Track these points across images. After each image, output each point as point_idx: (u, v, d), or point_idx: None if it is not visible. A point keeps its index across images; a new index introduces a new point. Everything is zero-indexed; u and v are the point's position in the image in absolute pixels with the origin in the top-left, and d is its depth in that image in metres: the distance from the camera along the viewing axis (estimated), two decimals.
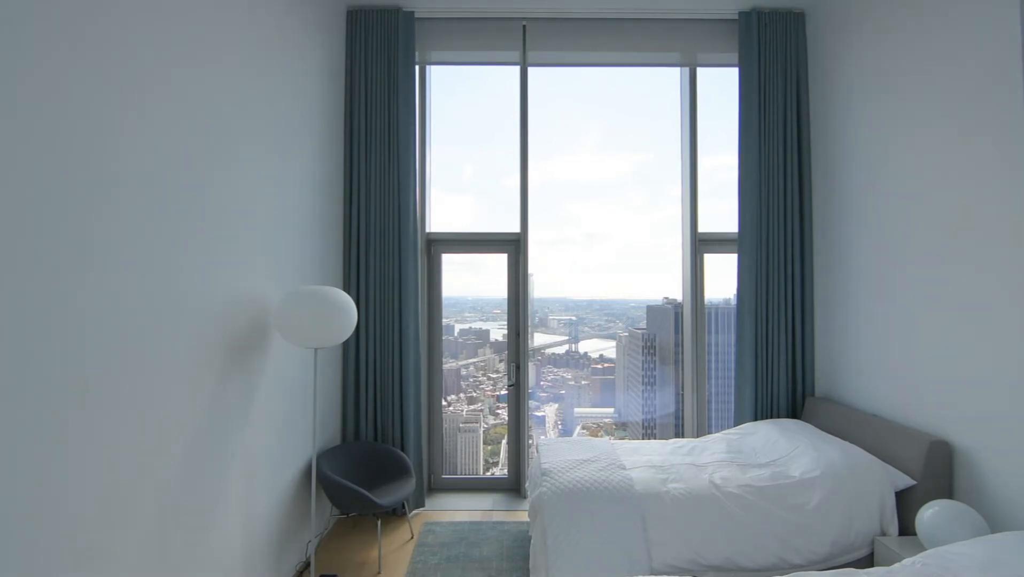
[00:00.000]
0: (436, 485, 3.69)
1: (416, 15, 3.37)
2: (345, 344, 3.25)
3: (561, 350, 4.25)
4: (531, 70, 3.52)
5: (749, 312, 3.29)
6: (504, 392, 3.87)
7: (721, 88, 3.59)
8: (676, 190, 3.74)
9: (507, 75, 3.53)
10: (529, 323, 3.69)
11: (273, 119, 2.38)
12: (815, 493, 2.30)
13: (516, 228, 3.59)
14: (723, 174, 3.68)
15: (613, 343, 4.21)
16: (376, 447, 3.11)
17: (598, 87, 3.56)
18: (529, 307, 3.69)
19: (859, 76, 2.91)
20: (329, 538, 2.97)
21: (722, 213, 3.63)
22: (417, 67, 3.44)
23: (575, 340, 4.23)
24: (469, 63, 3.61)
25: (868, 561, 2.26)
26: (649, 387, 3.90)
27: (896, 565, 1.73)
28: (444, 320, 3.74)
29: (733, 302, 3.45)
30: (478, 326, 4.09)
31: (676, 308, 3.80)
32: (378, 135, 3.30)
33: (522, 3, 3.41)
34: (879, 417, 2.69)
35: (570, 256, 4.07)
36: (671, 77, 3.59)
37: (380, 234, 3.30)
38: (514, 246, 3.68)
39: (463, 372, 4.09)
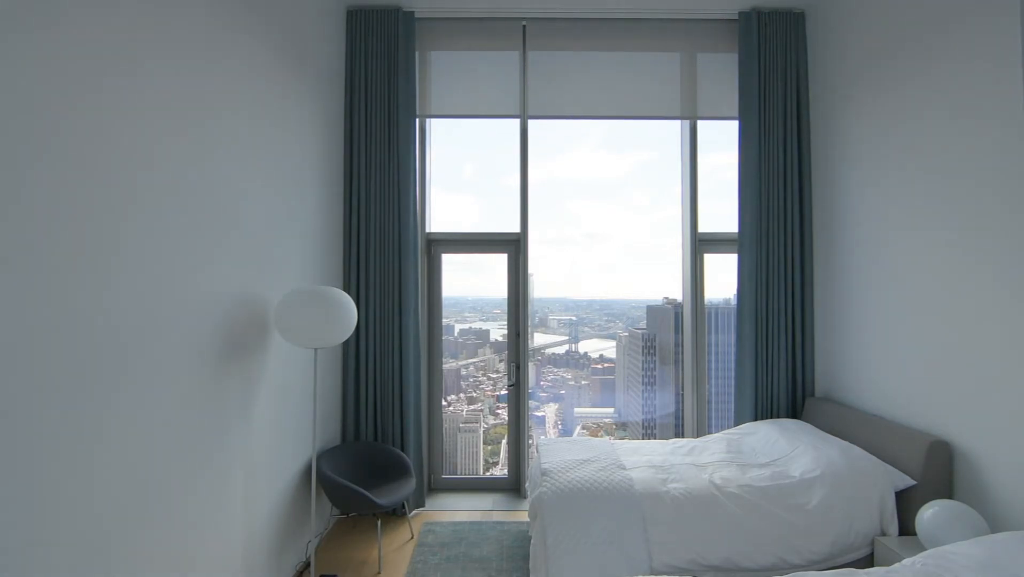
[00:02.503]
0: (436, 485, 3.69)
1: (416, 15, 3.38)
2: (345, 344, 3.25)
3: (561, 350, 4.25)
4: (530, 72, 3.51)
5: (749, 312, 3.29)
6: (504, 392, 3.87)
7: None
8: (677, 190, 3.74)
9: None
10: (529, 323, 3.69)
11: (272, 118, 2.38)
12: (815, 493, 2.30)
13: (516, 228, 3.59)
14: (723, 174, 3.68)
15: (613, 343, 4.21)
16: (376, 447, 3.11)
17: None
18: (529, 307, 3.69)
19: (859, 74, 2.91)
20: (329, 538, 2.97)
21: (722, 213, 3.63)
22: (417, 67, 3.43)
23: (575, 340, 4.23)
24: (468, 93, 3.59)
25: (868, 561, 2.26)
26: (649, 387, 3.90)
27: (896, 565, 1.73)
28: (444, 320, 3.74)
29: (733, 302, 3.46)
30: (478, 326, 4.10)
31: (676, 308, 3.80)
32: (378, 135, 3.30)
33: (522, 3, 3.41)
34: (879, 417, 2.69)
35: (570, 256, 4.07)
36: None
37: (380, 234, 3.30)
38: (514, 246, 3.68)
39: (463, 372, 4.09)
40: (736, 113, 3.39)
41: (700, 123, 3.59)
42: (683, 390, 3.71)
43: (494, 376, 4.09)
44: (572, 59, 3.55)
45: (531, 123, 3.53)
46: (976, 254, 2.19)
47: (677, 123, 3.71)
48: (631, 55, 3.55)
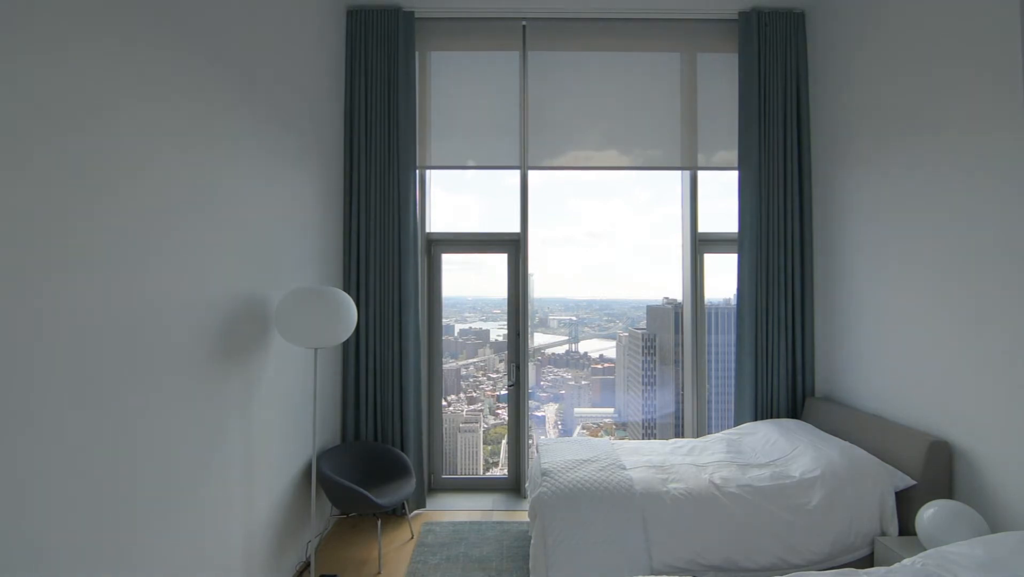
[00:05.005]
0: (436, 485, 3.69)
1: (416, 15, 3.38)
2: (345, 344, 3.25)
3: (561, 350, 4.25)
4: (531, 79, 3.51)
5: (749, 312, 3.29)
6: (504, 392, 3.87)
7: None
8: (677, 189, 3.74)
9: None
10: (529, 323, 3.69)
11: (272, 118, 2.38)
12: (815, 493, 2.30)
13: (516, 228, 3.59)
14: (723, 174, 3.67)
15: (613, 343, 4.21)
16: (376, 447, 3.11)
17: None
18: (529, 307, 3.69)
19: (858, 74, 2.91)
20: (329, 538, 2.97)
21: (722, 213, 3.63)
22: (417, 67, 3.43)
23: (575, 340, 4.23)
24: (469, 94, 3.57)
25: (868, 561, 2.26)
26: (649, 387, 3.90)
27: (896, 565, 1.73)
28: (444, 320, 3.74)
29: (733, 302, 3.45)
30: (478, 326, 4.10)
31: (676, 308, 3.80)
32: (378, 134, 3.30)
33: (522, 3, 3.41)
34: (879, 417, 2.68)
35: (571, 255, 4.07)
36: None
37: (380, 234, 3.30)
38: (514, 246, 3.68)
39: (463, 372, 4.09)
40: (736, 114, 3.39)
41: (699, 111, 3.57)
42: (683, 390, 3.70)
43: (494, 376, 4.09)
44: (572, 60, 3.54)
45: (531, 121, 3.52)
46: (977, 253, 2.19)
47: (677, 123, 3.70)
48: (631, 55, 3.54)
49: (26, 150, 1.18)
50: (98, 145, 1.38)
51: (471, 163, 3.61)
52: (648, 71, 3.56)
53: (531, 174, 3.54)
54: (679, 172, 3.71)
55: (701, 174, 3.60)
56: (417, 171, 3.37)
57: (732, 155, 3.45)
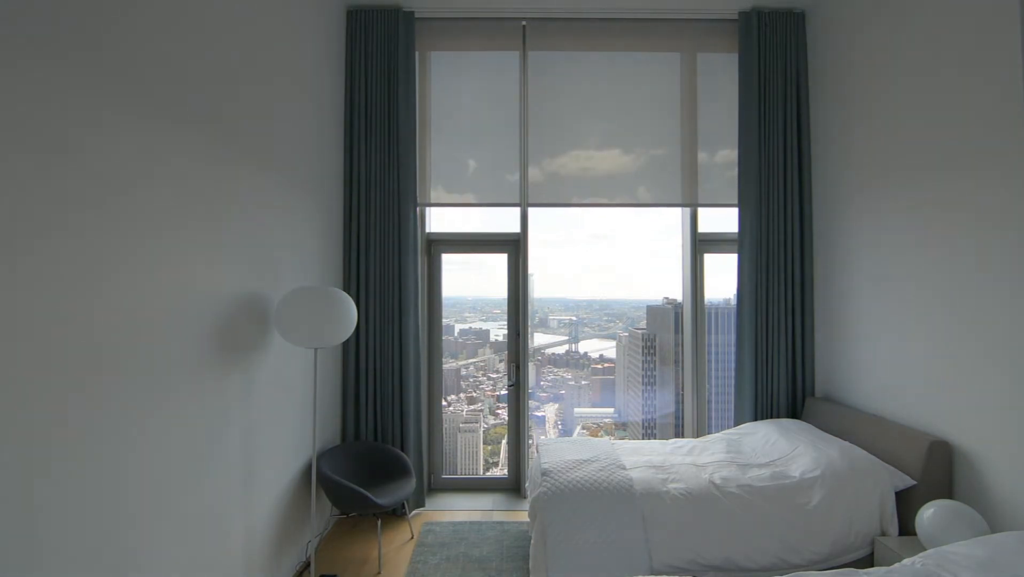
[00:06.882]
0: (436, 485, 3.69)
1: (416, 15, 3.38)
2: (345, 344, 3.25)
3: (561, 350, 4.26)
4: (530, 81, 3.52)
5: (749, 312, 3.29)
6: (504, 392, 3.87)
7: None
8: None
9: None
10: (529, 323, 3.69)
11: (272, 117, 2.38)
12: (815, 493, 2.30)
13: (516, 228, 3.59)
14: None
15: (613, 343, 4.21)
16: (376, 447, 3.11)
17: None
18: (529, 307, 3.69)
19: (859, 75, 2.91)
20: (329, 538, 2.97)
21: (722, 213, 3.62)
22: (417, 66, 3.44)
23: (575, 340, 4.23)
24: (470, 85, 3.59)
25: (868, 561, 2.26)
26: (649, 387, 3.90)
27: (896, 565, 1.73)
28: (444, 320, 3.74)
29: (733, 302, 3.46)
30: (478, 326, 4.10)
31: (676, 308, 3.81)
32: (378, 134, 3.30)
33: (522, 3, 3.41)
34: (879, 417, 2.68)
35: (571, 255, 4.07)
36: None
37: (380, 234, 3.30)
38: (514, 246, 3.68)
39: (463, 372, 4.10)
40: (735, 114, 3.39)
41: (699, 110, 3.56)
42: (683, 390, 3.71)
43: (494, 376, 4.09)
44: (572, 60, 3.54)
45: (532, 120, 3.52)
46: (978, 254, 2.18)
47: (677, 122, 3.70)
48: (631, 55, 3.54)
49: (27, 143, 1.19)
50: (110, 162, 1.38)
51: (471, 163, 3.61)
52: (648, 70, 3.56)
53: (532, 171, 3.54)
54: (679, 171, 3.70)
55: (700, 159, 3.56)
56: (417, 208, 3.37)
57: (733, 153, 3.45)
